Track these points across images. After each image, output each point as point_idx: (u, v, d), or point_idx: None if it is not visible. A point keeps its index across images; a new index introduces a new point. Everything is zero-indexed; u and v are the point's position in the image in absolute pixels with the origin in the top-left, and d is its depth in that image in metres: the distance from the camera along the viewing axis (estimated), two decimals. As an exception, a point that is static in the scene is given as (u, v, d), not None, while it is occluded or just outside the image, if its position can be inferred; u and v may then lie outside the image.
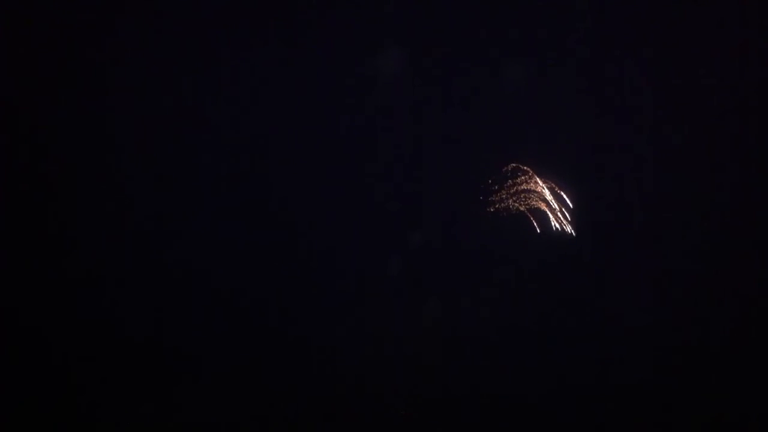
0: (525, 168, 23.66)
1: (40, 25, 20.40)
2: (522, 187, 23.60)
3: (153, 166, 20.99)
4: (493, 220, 23.23)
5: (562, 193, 23.57)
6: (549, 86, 23.44)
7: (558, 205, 23.65)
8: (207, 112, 21.56)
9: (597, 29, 22.69)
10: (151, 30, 20.99)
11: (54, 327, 18.83)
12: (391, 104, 22.87)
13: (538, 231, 23.53)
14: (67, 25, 20.50)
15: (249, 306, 20.39)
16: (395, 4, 22.50)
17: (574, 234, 23.29)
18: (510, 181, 23.55)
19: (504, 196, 23.46)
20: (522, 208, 23.59)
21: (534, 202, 23.67)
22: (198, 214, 21.07)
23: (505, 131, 23.51)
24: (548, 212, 23.70)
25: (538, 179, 23.60)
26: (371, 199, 22.31)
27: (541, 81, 23.21)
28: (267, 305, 20.51)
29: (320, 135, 22.29)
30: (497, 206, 23.42)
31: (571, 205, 23.49)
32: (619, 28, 22.62)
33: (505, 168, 23.63)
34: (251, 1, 21.88)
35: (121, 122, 20.93)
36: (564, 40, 22.82)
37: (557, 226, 23.46)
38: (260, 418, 17.50)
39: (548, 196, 23.68)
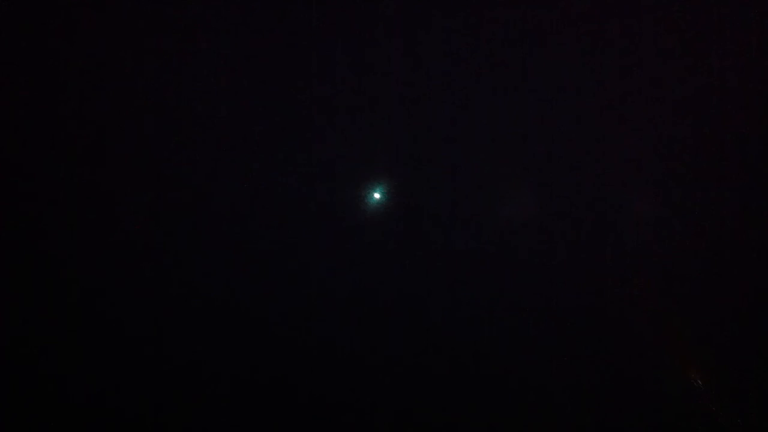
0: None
1: (35, 23, 21.57)
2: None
3: (145, 164, 21.22)
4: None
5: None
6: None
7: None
8: (200, 109, 21.92)
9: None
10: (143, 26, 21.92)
11: (52, 328, 19.04)
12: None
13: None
14: (59, 23, 21.58)
15: (247, 306, 20.19)
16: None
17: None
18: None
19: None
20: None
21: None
22: (194, 213, 20.91)
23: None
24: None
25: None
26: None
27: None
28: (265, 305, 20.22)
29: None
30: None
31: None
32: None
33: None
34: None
35: (113, 120, 21.40)
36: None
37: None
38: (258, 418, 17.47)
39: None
